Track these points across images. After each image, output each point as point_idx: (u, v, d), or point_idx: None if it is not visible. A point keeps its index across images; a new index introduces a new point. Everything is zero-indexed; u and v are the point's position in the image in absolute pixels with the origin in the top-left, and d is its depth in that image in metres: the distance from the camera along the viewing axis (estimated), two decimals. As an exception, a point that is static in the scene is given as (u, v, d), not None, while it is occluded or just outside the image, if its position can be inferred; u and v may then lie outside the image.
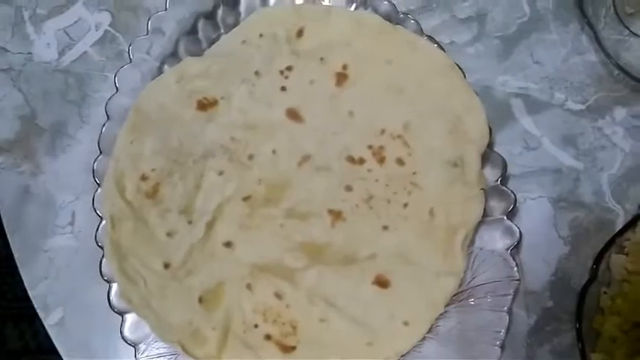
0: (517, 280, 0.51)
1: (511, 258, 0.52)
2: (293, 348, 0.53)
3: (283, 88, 0.59)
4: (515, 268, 0.51)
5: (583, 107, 0.60)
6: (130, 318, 0.53)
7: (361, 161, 0.57)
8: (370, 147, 0.58)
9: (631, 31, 0.60)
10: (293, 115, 0.59)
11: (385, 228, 0.56)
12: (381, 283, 0.54)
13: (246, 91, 0.59)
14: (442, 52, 0.57)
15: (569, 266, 0.56)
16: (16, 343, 1.20)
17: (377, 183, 0.57)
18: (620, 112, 0.59)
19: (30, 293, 0.58)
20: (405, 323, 0.52)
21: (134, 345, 0.52)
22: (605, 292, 0.53)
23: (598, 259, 0.52)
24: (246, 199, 0.57)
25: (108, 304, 0.53)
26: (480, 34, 0.62)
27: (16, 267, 0.58)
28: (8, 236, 0.59)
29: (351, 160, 0.57)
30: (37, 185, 0.60)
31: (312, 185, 0.57)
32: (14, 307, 1.21)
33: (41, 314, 0.57)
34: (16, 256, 0.59)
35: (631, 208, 0.56)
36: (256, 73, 0.60)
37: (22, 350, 1.20)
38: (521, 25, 0.62)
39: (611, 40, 0.59)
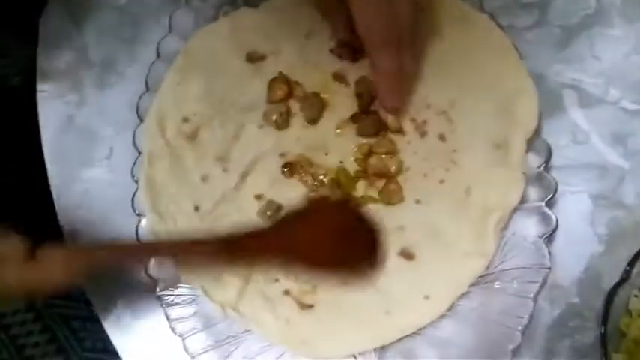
0: (547, 268, 0.50)
1: (544, 245, 0.50)
2: (310, 306, 0.52)
3: (332, 52, 0.59)
4: (547, 256, 0.50)
5: (638, 107, 0.58)
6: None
7: (402, 132, 0.57)
8: (413, 120, 0.57)
9: (697, 36, 0.58)
10: (339, 78, 0.59)
11: (418, 202, 0.55)
12: (407, 255, 0.53)
13: (296, 49, 0.59)
14: (500, 31, 0.56)
15: (601, 265, 0.54)
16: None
17: (415, 156, 0.56)
18: (674, 117, 0.57)
19: (60, 219, 0.59)
20: (426, 297, 0.52)
21: (156, 280, 0.52)
22: (635, 296, 0.51)
23: (633, 260, 0.51)
24: (282, 155, 0.57)
25: (136, 239, 0.53)
26: (540, 21, 0.60)
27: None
28: (47, 164, 0.60)
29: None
30: (80, 116, 0.61)
31: (348, 150, 0.57)
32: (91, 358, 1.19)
33: (68, 242, 0.58)
34: (51, 184, 0.60)
35: (673, 215, 0.55)
36: (308, 33, 0.59)
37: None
38: (585, 17, 0.60)
39: (675, 43, 0.57)
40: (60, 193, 0.59)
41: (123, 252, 0.45)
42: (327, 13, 0.57)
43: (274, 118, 0.57)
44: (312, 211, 0.47)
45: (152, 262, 0.53)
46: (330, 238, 0.45)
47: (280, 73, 0.58)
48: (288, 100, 0.58)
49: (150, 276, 0.53)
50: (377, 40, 0.51)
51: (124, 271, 0.56)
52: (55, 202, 0.59)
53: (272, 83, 0.58)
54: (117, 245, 0.47)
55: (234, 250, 0.44)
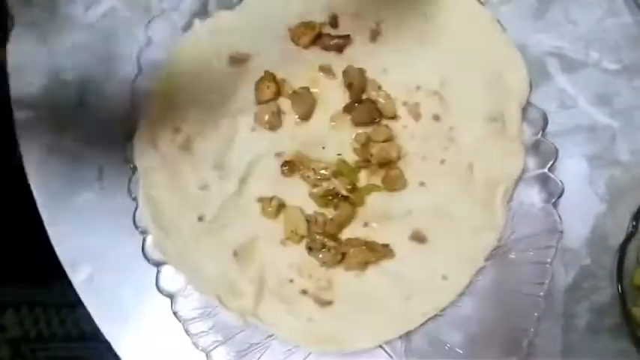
0: (560, 232, 0.51)
1: (554, 210, 0.51)
2: (330, 302, 0.52)
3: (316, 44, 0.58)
4: (559, 220, 0.51)
5: (618, 67, 0.59)
6: (165, 270, 0.51)
7: (396, 118, 0.57)
8: (405, 104, 0.57)
9: (666, -8, 0.60)
10: (326, 70, 0.58)
11: (422, 184, 0.55)
12: (419, 238, 0.53)
13: (278, 47, 0.58)
14: (480, 4, 0.56)
15: (606, 224, 0.55)
16: (16, 331, 1.18)
17: (412, 139, 0.56)
18: (655, 72, 0.59)
19: (57, 250, 0.56)
20: (444, 277, 0.51)
21: (170, 296, 0.50)
22: (644, 249, 0.52)
23: (637, 214, 0.52)
24: (279, 155, 0.56)
25: (138, 258, 0.52)
26: (514, -7, 0.61)
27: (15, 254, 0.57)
28: (34, 193, 0.58)
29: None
30: (63, 140, 0.59)
31: (345, 142, 0.56)
32: (14, 294, 1.19)
33: (68, 271, 0.56)
34: (42, 213, 0.57)
35: (668, 166, 0.56)
36: (289, 29, 0.58)
37: (22, 338, 1.19)
38: (556, -16, 0.61)
39: (646, 1, 0.59)
40: (51, 222, 0.57)
41: None
42: None
43: (266, 118, 0.56)
44: None
45: (163, 277, 0.51)
46: None
47: (266, 72, 0.57)
48: (277, 98, 0.57)
49: (162, 292, 0.51)
50: None
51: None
52: (48, 232, 0.57)
53: (259, 83, 0.57)
54: None
55: None
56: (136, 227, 0.52)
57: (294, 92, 0.57)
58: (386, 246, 0.53)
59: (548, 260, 0.50)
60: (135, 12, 0.62)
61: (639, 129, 0.57)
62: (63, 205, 0.58)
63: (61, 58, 0.61)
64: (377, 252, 0.52)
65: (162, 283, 0.51)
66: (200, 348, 0.49)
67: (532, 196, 0.53)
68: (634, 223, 0.52)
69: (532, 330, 0.48)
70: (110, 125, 0.58)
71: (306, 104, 0.57)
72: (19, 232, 0.57)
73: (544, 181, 0.53)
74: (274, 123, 0.56)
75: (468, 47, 0.56)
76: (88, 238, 0.57)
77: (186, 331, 0.49)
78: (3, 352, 1.16)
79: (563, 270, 0.54)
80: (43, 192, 0.58)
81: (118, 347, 0.55)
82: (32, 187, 0.58)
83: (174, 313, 0.50)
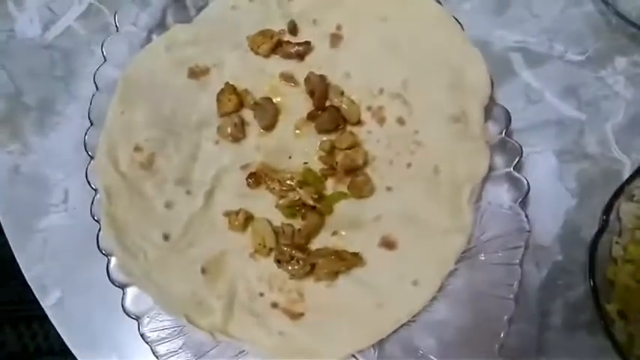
0: (527, 231, 0.50)
1: (520, 210, 0.50)
2: (301, 314, 0.51)
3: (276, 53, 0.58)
4: (525, 220, 0.50)
5: (583, 58, 0.59)
6: (131, 291, 0.51)
7: (361, 123, 0.56)
8: (369, 108, 0.56)
9: (627, -20, 0.59)
10: (287, 78, 0.57)
11: (389, 189, 0.54)
12: (388, 244, 0.53)
13: (238, 57, 0.58)
14: (437, 4, 0.56)
15: (577, 218, 0.55)
16: (14, 345, 1.19)
17: (378, 144, 0.55)
18: (620, 62, 0.58)
19: (26, 275, 0.56)
20: (415, 283, 0.51)
21: (137, 318, 0.50)
22: (617, 242, 0.52)
23: (607, 208, 0.51)
24: (244, 167, 0.55)
25: (108, 280, 0.51)
26: (475, -11, 0.60)
27: (12, 270, 0.56)
28: (0, 219, 0.57)
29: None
30: (27, 164, 0.59)
31: (310, 150, 0.56)
32: (11, 310, 1.19)
33: (38, 295, 0.55)
34: (9, 238, 0.57)
35: (638, 157, 0.55)
36: (248, 38, 0.58)
37: (21, 353, 1.19)
38: (517, -23, 0.61)
39: (608, -11, 0.58)
40: (18, 247, 0.57)
41: None
42: None
43: (229, 130, 0.55)
44: None
45: (129, 298, 0.50)
46: None
47: (227, 84, 0.56)
48: (240, 110, 0.56)
49: (129, 314, 0.50)
50: None
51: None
52: (16, 257, 0.56)
53: (220, 96, 0.56)
54: None
55: None
56: (99, 249, 0.51)
57: (256, 103, 0.56)
58: (355, 254, 0.52)
59: (517, 261, 0.49)
60: (92, 31, 0.61)
61: (607, 120, 0.57)
62: (29, 229, 0.57)
63: (20, 81, 0.61)
64: (346, 261, 0.51)
65: (129, 305, 0.50)
66: (169, 369, 0.48)
67: (501, 195, 0.53)
68: (604, 217, 0.51)
69: (502, 333, 0.48)
70: (72, 146, 0.57)
71: (268, 114, 0.56)
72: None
73: (512, 179, 0.52)
74: (237, 135, 0.56)
75: (427, 48, 0.55)
76: (56, 262, 0.56)
77: (154, 353, 0.49)
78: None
79: (536, 268, 0.54)
80: (8, 217, 0.57)
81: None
82: (-3, 212, 0.57)
83: (141, 335, 0.49)
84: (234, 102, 0.56)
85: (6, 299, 1.17)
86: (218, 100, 0.56)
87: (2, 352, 1.18)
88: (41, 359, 1.18)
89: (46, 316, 0.56)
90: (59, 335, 0.55)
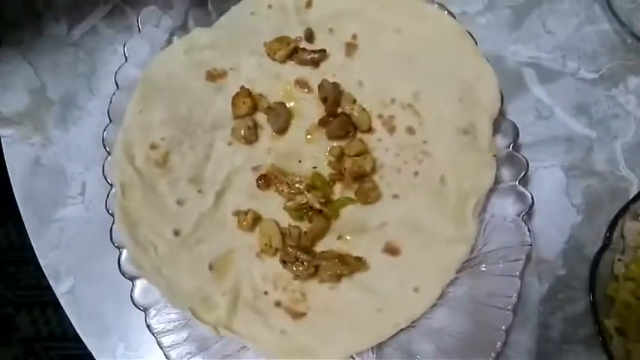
0: (529, 245, 0.51)
1: (523, 223, 0.51)
2: (303, 314, 0.52)
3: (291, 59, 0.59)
4: (528, 233, 0.51)
5: (596, 76, 0.59)
6: (141, 283, 0.53)
7: (371, 131, 0.57)
8: (380, 116, 0.57)
9: (644, 0, 0.59)
10: (302, 85, 0.59)
11: (395, 197, 0.55)
12: (391, 250, 0.54)
13: (255, 62, 0.60)
14: (452, 19, 0.57)
15: (582, 234, 0.55)
16: (28, 330, 1.21)
17: (387, 152, 0.56)
18: (633, 81, 0.58)
19: (41, 262, 0.58)
20: (416, 290, 0.52)
21: (145, 309, 0.52)
22: (619, 260, 0.52)
23: (612, 225, 0.51)
24: (255, 168, 0.57)
25: (118, 271, 0.53)
26: (490, 4, 0.62)
27: (29, 256, 0.58)
28: (20, 207, 0.60)
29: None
30: (47, 157, 0.61)
31: (320, 155, 0.57)
32: (28, 295, 1.22)
33: (52, 283, 0.57)
34: (27, 226, 0.59)
35: (645, 177, 0.56)
36: (265, 44, 0.59)
37: (35, 337, 1.22)
38: (533, -6, 0.61)
39: (623, 9, 0.59)
40: (36, 235, 0.59)
41: None
42: None
43: (242, 133, 0.57)
44: None
45: (138, 290, 0.52)
46: None
47: (242, 87, 0.58)
48: (254, 113, 0.58)
49: (137, 305, 0.52)
50: None
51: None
52: (32, 244, 0.58)
53: (236, 99, 0.58)
54: None
55: None
56: (112, 242, 0.53)
57: (270, 107, 0.58)
58: (359, 259, 0.53)
59: (517, 273, 0.50)
60: (116, 31, 0.63)
61: (616, 138, 0.57)
62: (47, 219, 0.59)
63: (45, 77, 0.63)
64: (350, 265, 0.53)
65: (138, 297, 0.52)
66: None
67: (506, 207, 0.53)
68: (608, 234, 0.51)
69: (499, 343, 0.48)
70: (92, 141, 0.59)
71: (281, 119, 0.57)
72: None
73: (517, 193, 0.53)
74: (250, 137, 0.57)
75: (440, 60, 0.56)
76: (70, 251, 0.58)
77: (159, 344, 0.50)
78: (17, 351, 1.19)
79: (538, 281, 0.54)
80: (28, 206, 0.60)
81: (100, 358, 0.56)
82: (18, 201, 0.59)
83: (148, 327, 0.51)
84: (249, 105, 0.57)
85: (23, 284, 1.20)
86: (233, 103, 0.58)
87: (16, 337, 1.21)
88: (54, 344, 1.21)
89: (59, 301, 0.58)
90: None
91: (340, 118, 0.57)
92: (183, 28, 0.60)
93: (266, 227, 0.55)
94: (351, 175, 0.55)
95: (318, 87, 0.58)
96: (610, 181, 0.56)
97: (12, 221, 1.10)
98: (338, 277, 0.53)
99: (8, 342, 1.21)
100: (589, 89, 0.59)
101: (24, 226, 0.59)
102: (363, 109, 0.57)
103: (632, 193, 0.55)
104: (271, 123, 0.58)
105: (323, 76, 0.58)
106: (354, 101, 0.57)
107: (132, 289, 0.52)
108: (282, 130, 0.58)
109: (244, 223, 0.55)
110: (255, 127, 0.58)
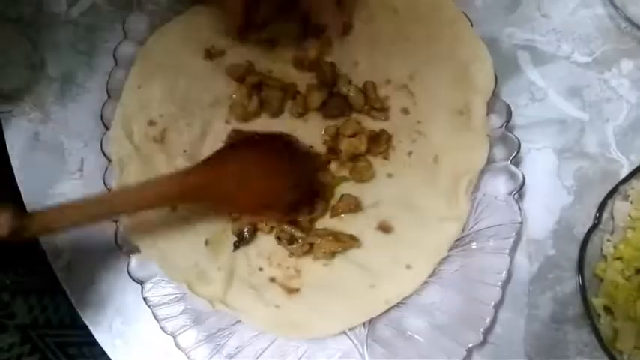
0: (519, 223, 0.51)
1: (514, 202, 0.52)
2: (297, 290, 0.53)
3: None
4: (518, 212, 0.52)
5: (589, 59, 0.59)
6: (137, 257, 0.53)
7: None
8: (376, 97, 0.58)
9: (639, -15, 0.60)
10: (298, 65, 0.59)
11: (389, 176, 0.56)
12: (385, 228, 0.55)
13: (253, 40, 0.60)
14: (449, 0, 0.57)
15: (572, 215, 0.56)
16: (25, 317, 1.22)
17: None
18: (626, 65, 0.59)
19: (40, 239, 0.58)
20: (408, 267, 0.53)
21: (141, 282, 0.53)
22: (608, 240, 0.53)
23: (602, 206, 0.52)
24: (252, 146, 0.57)
25: (115, 245, 0.54)
26: (487, -14, 0.62)
27: (29, 242, 0.58)
28: (18, 183, 0.60)
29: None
30: (46, 132, 0.61)
31: (317, 135, 0.58)
32: (24, 280, 1.22)
33: (50, 257, 0.58)
34: (25, 202, 0.59)
35: (635, 160, 0.56)
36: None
37: (31, 324, 1.22)
38: (529, -23, 0.62)
39: (619, -7, 0.59)
40: (33, 209, 0.59)
41: (76, 213, 0.46)
42: None
43: (239, 111, 0.57)
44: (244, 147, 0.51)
45: (134, 262, 0.53)
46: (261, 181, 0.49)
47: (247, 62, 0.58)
48: (251, 91, 0.58)
49: (133, 278, 0.53)
50: None
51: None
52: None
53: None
54: (69, 206, 0.47)
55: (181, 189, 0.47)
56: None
57: (267, 85, 0.58)
58: (353, 237, 0.54)
59: (507, 251, 0.51)
60: (116, 7, 0.64)
61: (608, 121, 0.58)
62: (45, 194, 0.60)
63: (45, 53, 0.63)
64: (344, 242, 0.53)
65: (134, 269, 0.53)
66: (168, 332, 0.51)
67: (498, 186, 0.54)
68: (598, 214, 0.52)
69: (488, 319, 0.49)
70: (90, 118, 0.60)
71: (278, 98, 0.58)
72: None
73: (509, 172, 0.54)
74: (247, 116, 0.58)
75: (435, 41, 0.57)
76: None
77: (155, 316, 0.51)
78: (13, 337, 1.20)
79: (528, 260, 0.55)
80: (26, 182, 0.60)
81: (97, 332, 0.57)
82: (16, 177, 0.60)
83: (144, 299, 0.52)
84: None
85: (19, 270, 1.21)
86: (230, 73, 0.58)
87: (13, 323, 1.21)
88: (51, 331, 1.21)
89: (56, 288, 0.58)
90: (69, 309, 0.58)
91: (336, 98, 0.57)
92: (183, 6, 0.61)
93: (262, 204, 0.55)
94: (347, 155, 0.56)
95: (315, 67, 0.58)
96: (601, 163, 0.57)
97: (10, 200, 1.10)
98: (332, 254, 0.54)
99: (4, 328, 1.21)
100: (582, 72, 0.59)
101: (23, 204, 0.60)
102: (359, 90, 0.57)
103: (623, 176, 0.55)
104: (268, 102, 0.58)
105: (319, 55, 0.58)
106: (350, 82, 0.58)
107: (128, 263, 0.53)
108: (278, 109, 0.58)
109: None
110: (254, 105, 0.58)
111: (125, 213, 0.52)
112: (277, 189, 0.51)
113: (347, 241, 0.54)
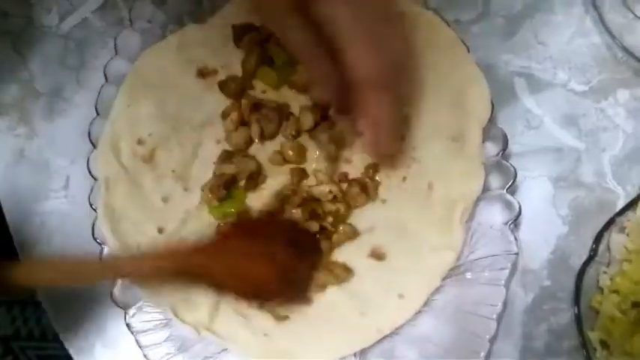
0: (515, 254, 0.50)
1: (509, 232, 0.51)
2: (286, 317, 0.52)
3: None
4: (514, 242, 0.51)
5: (586, 88, 0.59)
6: (121, 281, 0.52)
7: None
8: (371, 122, 0.57)
9: (635, 15, 0.60)
10: (293, 86, 0.58)
11: (384, 201, 0.55)
12: (378, 256, 0.53)
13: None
14: (446, 26, 0.57)
15: (568, 245, 0.55)
16: (7, 328, 1.19)
17: (376, 157, 0.56)
18: (623, 94, 0.59)
19: (20, 256, 0.57)
20: (400, 296, 0.51)
21: (124, 308, 0.51)
22: (604, 272, 0.52)
23: (598, 237, 0.51)
24: (243, 168, 0.56)
25: (99, 268, 0.52)
26: (484, 13, 0.62)
27: (13, 254, 0.57)
28: (1, 200, 0.58)
29: (350, 133, 0.57)
30: (31, 149, 0.60)
31: (309, 158, 0.57)
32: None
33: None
34: (7, 218, 0.58)
35: (632, 190, 0.56)
36: (257, 44, 0.59)
37: (13, 336, 1.20)
38: (527, 5, 0.62)
39: (615, 23, 0.59)
40: (16, 228, 0.58)
41: (79, 270, 0.43)
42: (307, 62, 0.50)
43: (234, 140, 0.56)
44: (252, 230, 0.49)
45: (118, 287, 0.51)
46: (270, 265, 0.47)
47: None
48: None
49: (116, 303, 0.51)
50: (375, 83, 0.45)
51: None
52: (13, 238, 0.57)
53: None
54: (73, 262, 0.44)
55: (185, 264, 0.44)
56: (94, 238, 0.52)
57: (262, 106, 0.57)
58: (346, 268, 0.52)
59: (502, 282, 0.49)
60: (108, 23, 0.63)
61: (604, 151, 0.57)
62: (28, 212, 0.58)
63: (34, 67, 0.62)
64: (337, 276, 0.52)
65: (117, 294, 0.51)
66: (151, 360, 0.49)
67: (493, 215, 0.53)
68: (594, 246, 0.51)
69: (483, 353, 0.48)
70: (78, 135, 0.59)
71: (273, 121, 0.57)
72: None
73: (505, 201, 0.53)
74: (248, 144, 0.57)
75: (432, 67, 0.56)
76: (51, 246, 0.57)
77: (138, 343, 0.49)
78: (-5, 349, 1.17)
79: (523, 291, 0.54)
80: (9, 198, 0.59)
81: (77, 356, 0.55)
82: (-1, 193, 0.58)
83: (127, 325, 0.50)
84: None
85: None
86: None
87: (-6, 334, 1.19)
88: (33, 344, 1.19)
89: (39, 300, 0.57)
90: (50, 321, 0.56)
91: (330, 123, 0.56)
92: (176, 24, 0.60)
93: (252, 229, 0.54)
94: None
95: (310, 90, 0.57)
96: (597, 193, 0.56)
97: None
98: (323, 287, 0.52)
99: (-14, 340, 1.19)
100: (579, 101, 0.59)
101: (4, 220, 0.58)
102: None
103: (619, 207, 0.55)
104: (262, 125, 0.57)
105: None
106: (345, 104, 0.57)
107: (112, 287, 0.51)
108: (272, 134, 0.57)
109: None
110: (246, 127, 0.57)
111: (114, 278, 0.51)
112: (274, 287, 0.49)
113: (340, 275, 0.52)
